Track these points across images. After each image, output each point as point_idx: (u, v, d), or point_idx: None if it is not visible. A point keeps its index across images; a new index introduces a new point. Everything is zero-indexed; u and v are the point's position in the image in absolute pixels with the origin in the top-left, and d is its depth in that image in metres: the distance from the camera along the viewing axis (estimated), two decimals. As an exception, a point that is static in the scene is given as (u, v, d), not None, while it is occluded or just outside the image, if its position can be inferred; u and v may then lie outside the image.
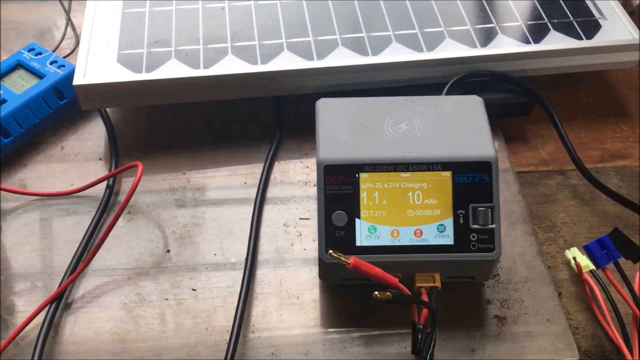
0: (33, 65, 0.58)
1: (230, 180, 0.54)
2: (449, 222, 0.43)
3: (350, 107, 0.47)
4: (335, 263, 0.42)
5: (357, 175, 0.44)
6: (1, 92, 0.56)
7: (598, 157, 0.57)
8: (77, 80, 0.53)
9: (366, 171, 0.44)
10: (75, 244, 0.49)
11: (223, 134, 0.58)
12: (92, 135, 0.58)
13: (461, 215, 0.43)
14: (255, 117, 0.59)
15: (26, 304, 0.47)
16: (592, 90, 0.62)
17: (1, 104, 0.55)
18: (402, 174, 0.44)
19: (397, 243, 0.43)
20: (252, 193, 0.53)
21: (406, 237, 0.43)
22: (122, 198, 0.53)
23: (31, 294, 0.47)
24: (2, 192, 0.53)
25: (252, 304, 0.47)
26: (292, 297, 0.47)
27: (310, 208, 0.52)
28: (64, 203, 0.53)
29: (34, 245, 0.50)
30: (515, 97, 0.57)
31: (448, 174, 0.44)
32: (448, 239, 0.43)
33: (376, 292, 0.38)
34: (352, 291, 0.47)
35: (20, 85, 0.57)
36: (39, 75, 0.57)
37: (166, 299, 0.47)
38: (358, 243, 0.43)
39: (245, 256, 0.49)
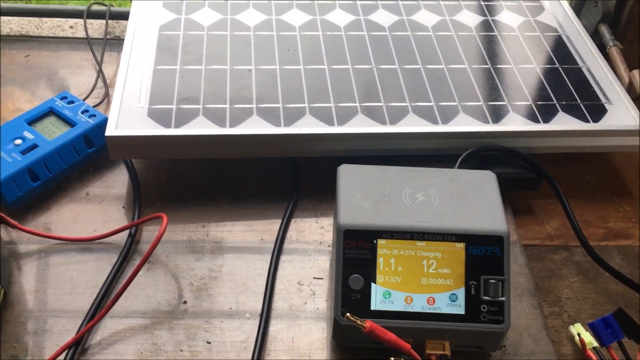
0: (65, 113, 0.60)
1: (247, 236, 0.56)
2: (461, 292, 0.45)
3: (370, 174, 0.49)
4: (350, 325, 0.43)
5: (375, 241, 0.46)
6: (33, 137, 0.58)
7: (601, 235, 0.59)
8: (109, 132, 0.55)
9: (384, 237, 0.46)
10: (94, 290, 0.51)
11: (241, 190, 0.60)
12: (116, 184, 0.60)
13: (473, 286, 0.45)
14: (271, 175, 0.61)
15: (43, 346, 0.48)
16: (597, 169, 0.65)
17: (32, 149, 0.57)
18: (418, 243, 0.46)
19: (410, 309, 0.45)
20: (269, 249, 0.55)
21: (419, 304, 0.45)
22: (142, 246, 0.54)
23: (48, 337, 0.48)
24: (26, 234, 0.54)
25: (264, 360, 0.48)
26: (304, 356, 0.48)
27: (324, 268, 0.54)
28: (86, 248, 0.54)
29: (54, 288, 0.51)
30: (523, 173, 0.60)
31: (462, 245, 0.46)
32: (459, 309, 0.45)
33: (392, 358, 0.40)
34: (362, 353, 0.48)
35: (52, 132, 0.59)
36: (70, 123, 0.60)
37: (181, 350, 0.48)
38: (373, 307, 0.45)
39: (259, 312, 0.50)
